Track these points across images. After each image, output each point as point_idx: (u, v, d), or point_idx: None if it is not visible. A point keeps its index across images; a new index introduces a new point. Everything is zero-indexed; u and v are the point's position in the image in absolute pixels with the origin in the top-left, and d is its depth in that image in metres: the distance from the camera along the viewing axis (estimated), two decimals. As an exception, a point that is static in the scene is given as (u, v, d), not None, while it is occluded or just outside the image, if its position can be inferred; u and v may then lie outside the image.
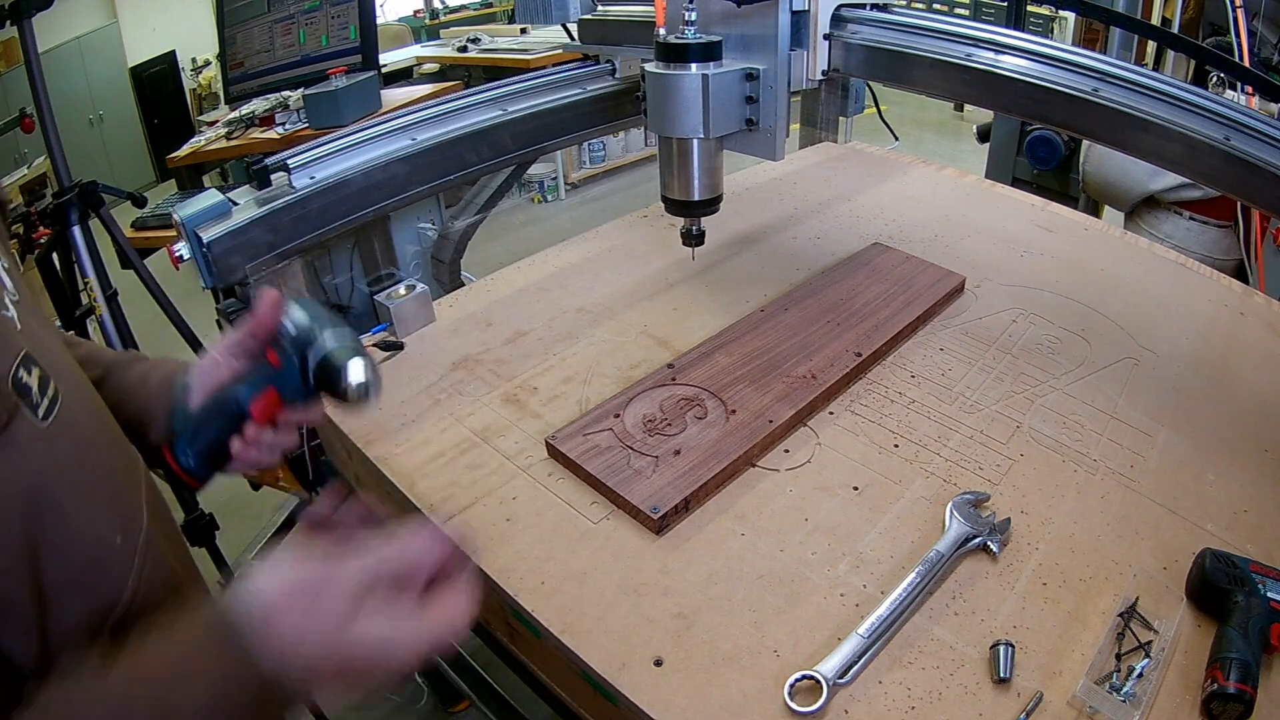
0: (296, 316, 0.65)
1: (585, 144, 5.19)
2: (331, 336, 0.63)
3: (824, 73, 1.01)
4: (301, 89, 2.40)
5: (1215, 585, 0.73)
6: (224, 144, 2.57)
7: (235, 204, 1.04)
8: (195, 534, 1.89)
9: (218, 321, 1.08)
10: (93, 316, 1.89)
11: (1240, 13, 2.09)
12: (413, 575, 0.50)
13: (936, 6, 4.33)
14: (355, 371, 0.62)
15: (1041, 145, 2.38)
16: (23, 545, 0.48)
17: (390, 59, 4.14)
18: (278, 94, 2.56)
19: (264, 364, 0.66)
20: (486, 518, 0.86)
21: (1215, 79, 2.16)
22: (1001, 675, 0.68)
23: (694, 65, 0.92)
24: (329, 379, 0.62)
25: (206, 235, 0.98)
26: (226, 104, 2.89)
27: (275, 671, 0.44)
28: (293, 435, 0.68)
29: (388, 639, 0.47)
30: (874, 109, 1.91)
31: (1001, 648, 0.69)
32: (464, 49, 4.25)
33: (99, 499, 0.56)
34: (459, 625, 0.49)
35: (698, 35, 0.92)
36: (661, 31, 0.95)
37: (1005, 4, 2.26)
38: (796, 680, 0.67)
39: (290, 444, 0.68)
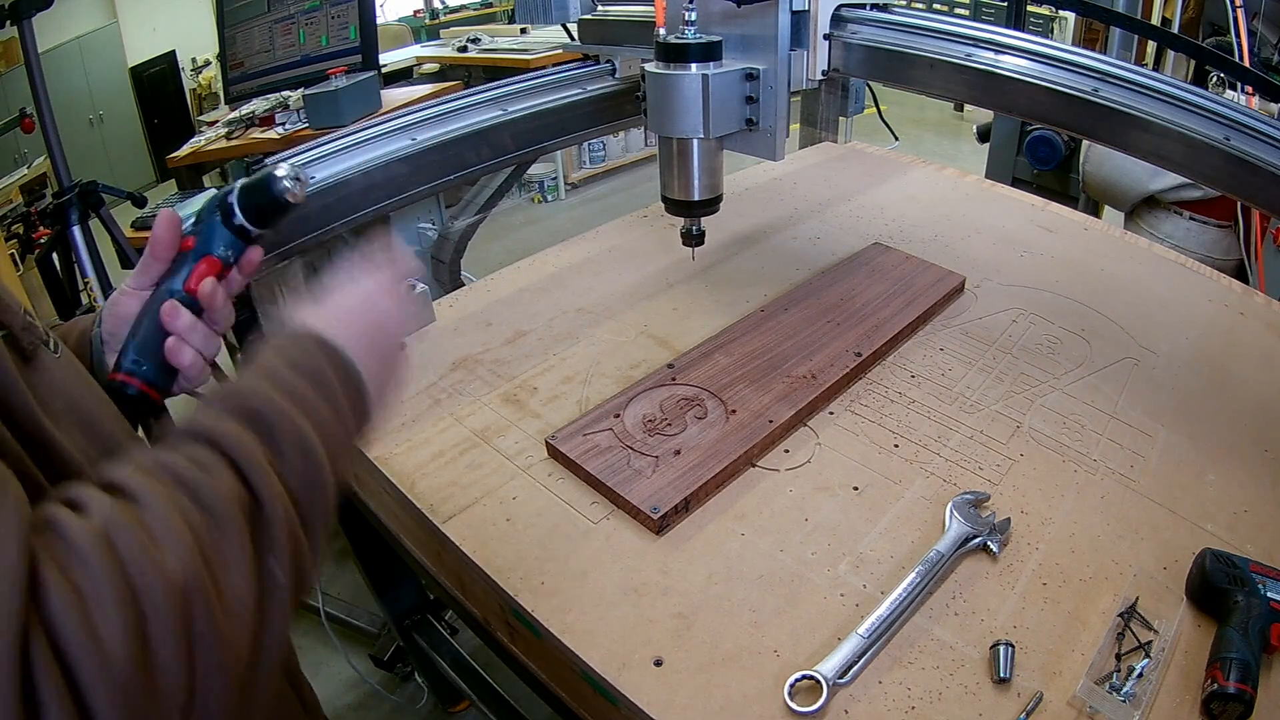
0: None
1: (585, 144, 5.19)
2: (244, 178, 0.66)
3: (824, 73, 1.01)
4: (301, 89, 2.40)
5: (1215, 585, 0.73)
6: (224, 144, 2.56)
7: (235, 204, 1.04)
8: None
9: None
10: (93, 316, 1.89)
11: (1240, 13, 2.09)
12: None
13: (936, 6, 4.33)
14: (281, 168, 0.65)
15: (1041, 145, 2.38)
16: (81, 453, 0.52)
17: (390, 59, 4.14)
18: (278, 94, 2.56)
19: (182, 253, 0.67)
20: (486, 518, 0.86)
21: (1215, 79, 2.16)
22: (1001, 675, 0.68)
23: (694, 65, 0.92)
24: (259, 192, 0.65)
25: (206, 235, 0.98)
26: (226, 104, 2.89)
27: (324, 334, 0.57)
28: (230, 308, 0.70)
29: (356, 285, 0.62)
30: (874, 109, 1.91)
31: (1001, 648, 0.69)
32: (464, 49, 4.25)
33: (116, 423, 0.60)
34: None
35: (698, 35, 0.92)
36: (661, 31, 0.95)
37: (1005, 4, 2.26)
38: (796, 680, 0.67)
39: (229, 317, 0.70)
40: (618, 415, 0.97)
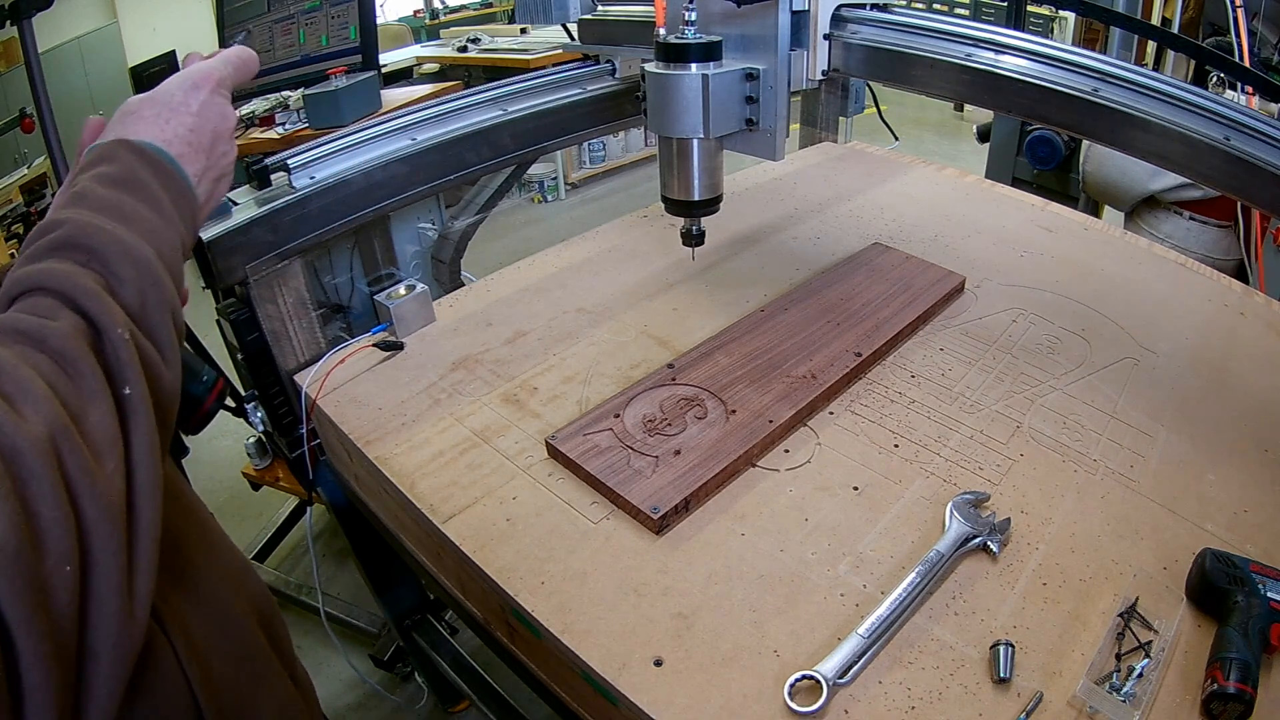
0: None
1: (585, 144, 5.18)
2: None
3: (824, 73, 1.01)
4: (301, 89, 2.40)
5: (1215, 585, 0.73)
6: (224, 144, 2.56)
7: (235, 204, 1.04)
8: (195, 534, 1.88)
9: (218, 321, 1.08)
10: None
11: (1240, 13, 2.09)
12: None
13: (936, 6, 4.33)
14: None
15: (1041, 145, 2.38)
16: None
17: (390, 59, 4.14)
18: (278, 94, 2.56)
19: None
20: (486, 518, 0.86)
21: (1215, 79, 2.16)
22: (1001, 675, 0.68)
23: (694, 65, 0.92)
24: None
25: (206, 235, 0.98)
26: (226, 104, 2.89)
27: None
28: None
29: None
30: (874, 109, 1.91)
31: (1001, 648, 0.69)
32: (464, 49, 4.25)
33: None
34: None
35: (698, 35, 0.92)
36: (661, 31, 0.95)
37: (1005, 4, 2.26)
38: (796, 680, 0.67)
39: None
40: (618, 415, 0.97)
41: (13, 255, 2.72)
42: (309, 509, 1.45)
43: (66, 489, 0.39)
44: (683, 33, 0.92)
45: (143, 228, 0.53)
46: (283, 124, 2.49)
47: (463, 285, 1.45)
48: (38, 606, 0.36)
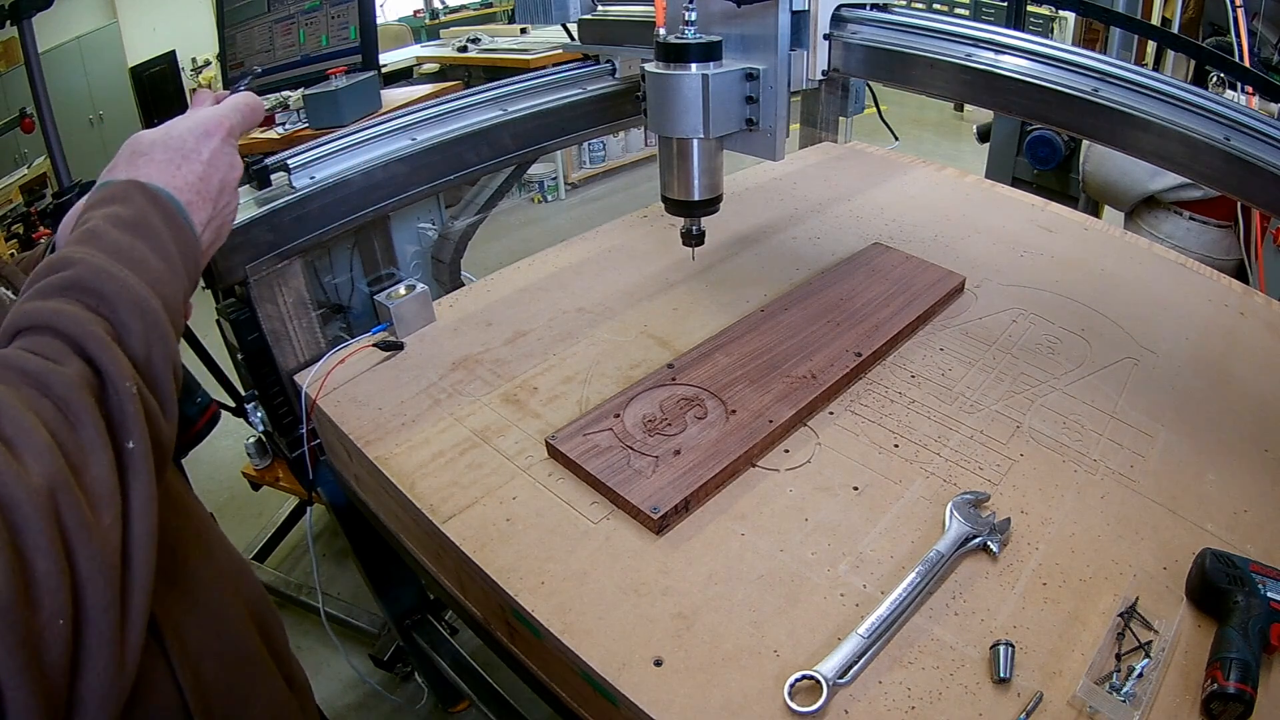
0: None
1: (585, 144, 5.19)
2: None
3: (824, 73, 1.01)
4: (301, 89, 2.40)
5: (1215, 585, 0.73)
6: (224, 144, 2.56)
7: (235, 204, 1.04)
8: (195, 534, 1.88)
9: (218, 322, 1.08)
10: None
11: (1240, 13, 2.09)
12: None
13: (936, 6, 4.33)
14: None
15: (1041, 145, 2.38)
16: None
17: (390, 59, 4.14)
18: (278, 94, 2.56)
19: None
20: (486, 518, 0.86)
21: (1215, 79, 2.16)
22: (1001, 675, 0.68)
23: (694, 65, 0.92)
24: None
25: (206, 235, 0.98)
26: (226, 104, 2.89)
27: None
28: None
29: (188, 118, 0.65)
30: (874, 109, 1.91)
31: (1001, 648, 0.69)
32: (464, 49, 4.25)
33: None
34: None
35: (698, 35, 0.92)
36: (661, 31, 0.95)
37: (1005, 4, 2.26)
38: (796, 680, 0.67)
39: None
40: (618, 415, 0.97)
41: (13, 255, 2.72)
42: (309, 509, 1.45)
43: (63, 543, 0.39)
44: (683, 33, 0.92)
45: (151, 277, 0.53)
46: (283, 124, 2.49)
47: (463, 285, 1.45)
48: (30, 660, 0.36)
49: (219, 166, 0.65)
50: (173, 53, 6.56)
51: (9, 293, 0.60)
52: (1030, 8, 2.57)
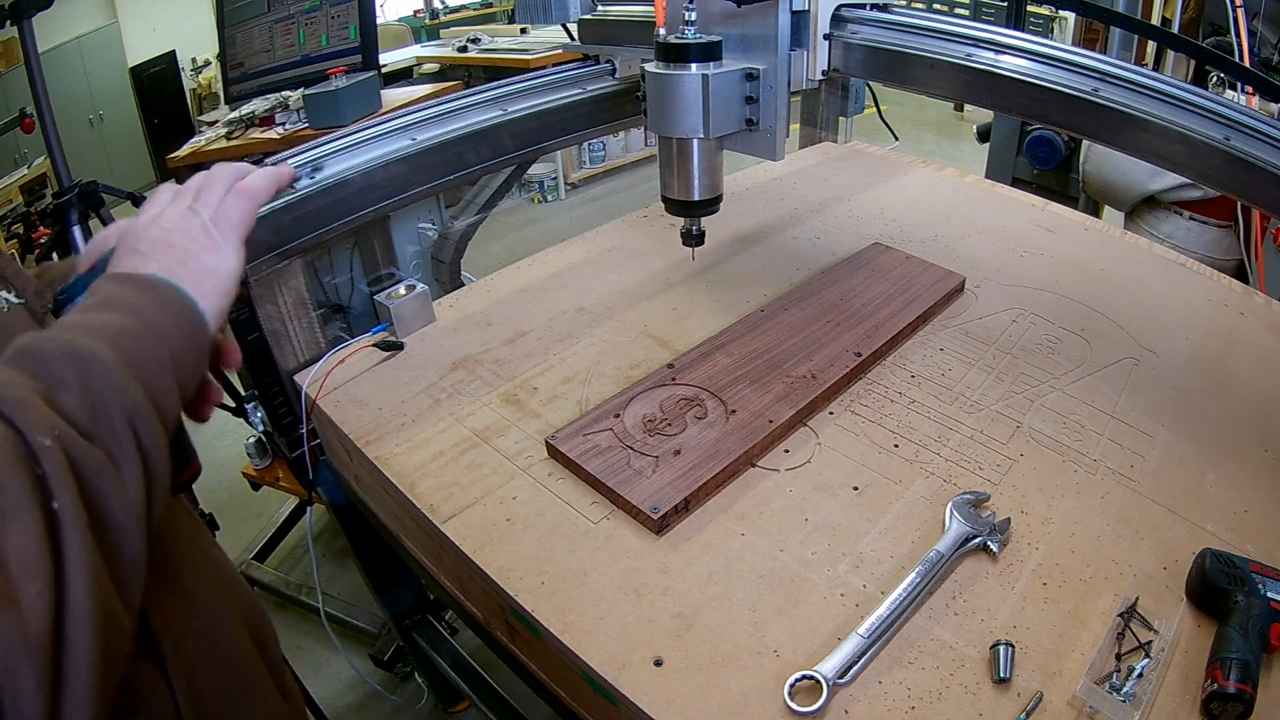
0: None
1: (585, 144, 5.19)
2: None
3: (824, 73, 1.01)
4: (301, 89, 2.40)
5: (1215, 585, 0.73)
6: (224, 144, 2.56)
7: (235, 204, 1.04)
8: (195, 534, 1.89)
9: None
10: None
11: (1240, 13, 2.09)
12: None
13: (936, 6, 4.33)
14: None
15: (1041, 145, 2.38)
16: None
17: (390, 59, 4.14)
18: (278, 94, 2.56)
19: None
20: (486, 518, 0.86)
21: (1215, 79, 2.16)
22: (1001, 675, 0.68)
23: (694, 65, 0.91)
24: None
25: (206, 235, 0.98)
26: (226, 104, 2.89)
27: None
28: None
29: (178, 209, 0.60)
30: (874, 109, 1.91)
31: (1001, 648, 0.69)
32: (464, 49, 4.25)
33: None
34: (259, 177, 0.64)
35: (698, 35, 0.92)
36: (661, 31, 0.95)
37: (1005, 4, 2.26)
38: (796, 680, 0.67)
39: None
40: (618, 415, 0.97)
41: (12, 255, 2.72)
42: (309, 509, 1.45)
43: None
44: (683, 33, 0.92)
45: (106, 333, 0.48)
46: (283, 124, 2.49)
47: (463, 285, 1.45)
48: None
49: (184, 233, 0.59)
50: (173, 53, 6.56)
51: (9, 295, 0.59)
52: (1030, 8, 2.57)
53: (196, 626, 0.61)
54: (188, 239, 0.58)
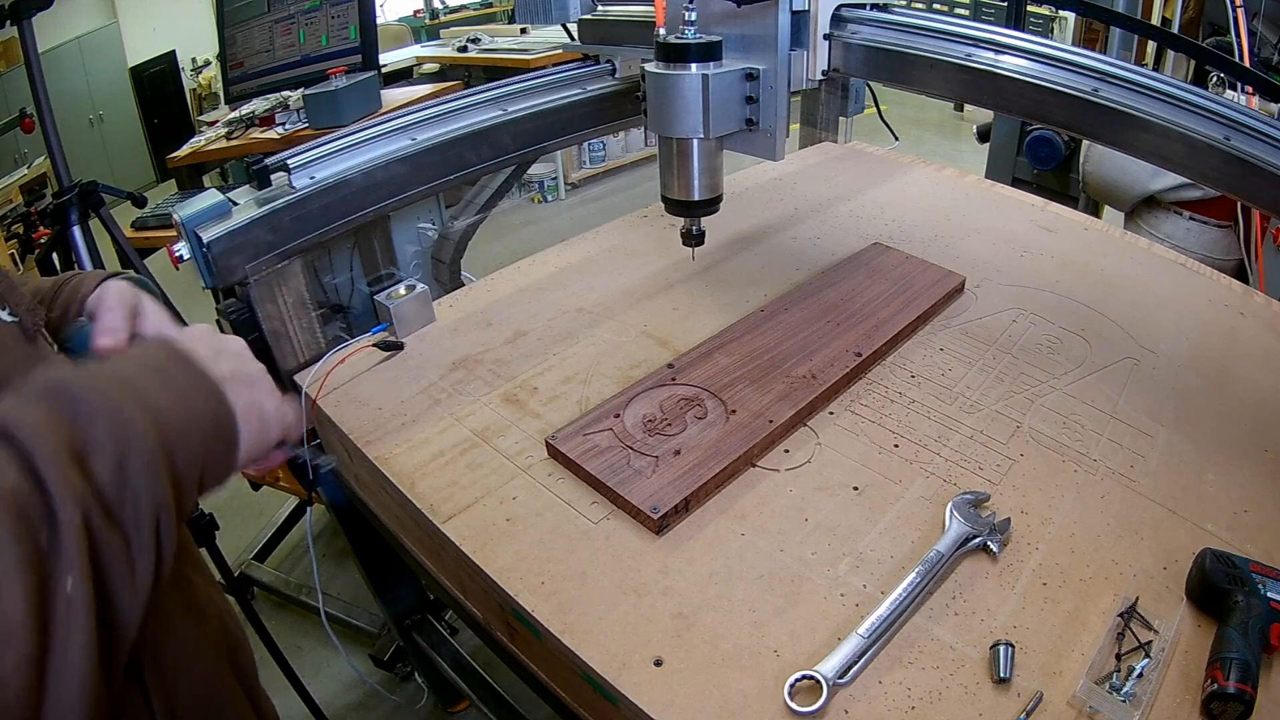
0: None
1: (585, 144, 5.19)
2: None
3: (824, 73, 1.00)
4: (301, 89, 2.40)
5: (1215, 585, 0.73)
6: (224, 144, 2.56)
7: (235, 204, 1.04)
8: (195, 534, 1.88)
9: (218, 322, 1.08)
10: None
11: (1240, 13, 2.09)
12: None
13: (936, 6, 4.33)
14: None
15: (1041, 145, 2.38)
16: None
17: (390, 59, 4.14)
18: (278, 94, 2.56)
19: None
20: (486, 518, 0.86)
21: (1215, 79, 2.16)
22: (1001, 675, 0.68)
23: (694, 65, 0.92)
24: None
25: (206, 235, 0.98)
26: (226, 104, 2.89)
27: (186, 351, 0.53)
28: None
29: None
30: (874, 109, 1.91)
31: (1001, 648, 0.69)
32: (464, 49, 4.25)
33: None
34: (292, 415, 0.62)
35: (698, 35, 0.92)
36: (661, 31, 0.95)
37: (1005, 4, 2.26)
38: (796, 680, 0.67)
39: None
40: (618, 415, 0.97)
41: (12, 255, 2.72)
42: (309, 509, 1.46)
43: None
44: (683, 33, 0.92)
45: (154, 409, 0.45)
46: (283, 124, 2.49)
47: (463, 285, 1.45)
48: None
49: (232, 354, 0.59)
50: (173, 53, 6.57)
51: (2, 313, 0.57)
52: (1030, 8, 2.57)
53: (177, 643, 0.60)
54: (255, 372, 0.58)
